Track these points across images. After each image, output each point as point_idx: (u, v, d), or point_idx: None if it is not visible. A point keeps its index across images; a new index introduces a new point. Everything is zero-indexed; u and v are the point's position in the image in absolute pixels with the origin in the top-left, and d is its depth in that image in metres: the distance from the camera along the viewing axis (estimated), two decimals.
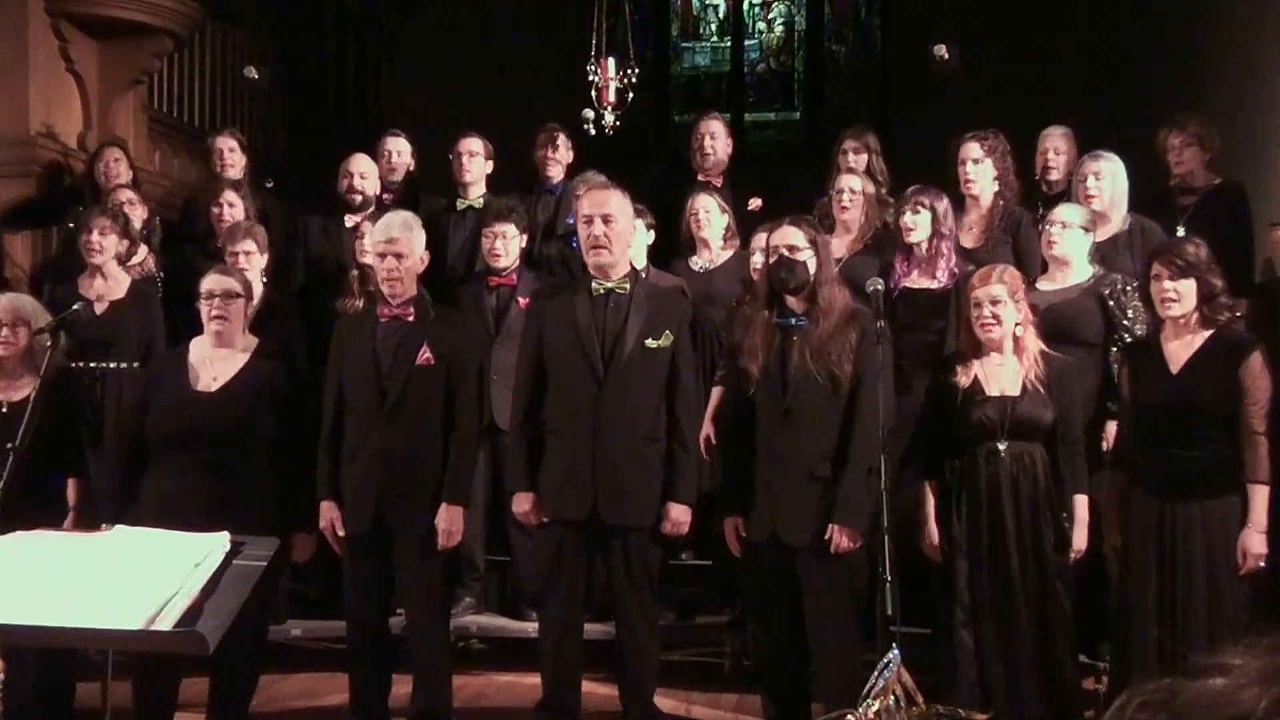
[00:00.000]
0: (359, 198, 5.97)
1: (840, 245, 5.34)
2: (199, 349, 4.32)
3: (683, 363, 4.31)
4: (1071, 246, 4.76)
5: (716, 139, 6.14)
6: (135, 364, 5.38)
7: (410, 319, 4.40)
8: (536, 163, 6.26)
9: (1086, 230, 4.79)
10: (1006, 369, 4.21)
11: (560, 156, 6.23)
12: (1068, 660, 4.17)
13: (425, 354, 4.36)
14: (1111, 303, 4.71)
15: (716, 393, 4.89)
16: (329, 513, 4.39)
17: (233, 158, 6.31)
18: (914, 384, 4.67)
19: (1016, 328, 4.20)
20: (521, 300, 5.36)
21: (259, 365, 4.30)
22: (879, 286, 4.23)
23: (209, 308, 4.25)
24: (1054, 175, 5.63)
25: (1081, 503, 4.20)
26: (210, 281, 4.30)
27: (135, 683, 4.23)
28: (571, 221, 5.92)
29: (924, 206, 4.92)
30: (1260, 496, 4.05)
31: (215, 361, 4.27)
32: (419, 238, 4.45)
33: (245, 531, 3.13)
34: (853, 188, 5.41)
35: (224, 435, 4.16)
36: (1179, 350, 4.17)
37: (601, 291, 4.30)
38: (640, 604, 4.32)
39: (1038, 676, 4.11)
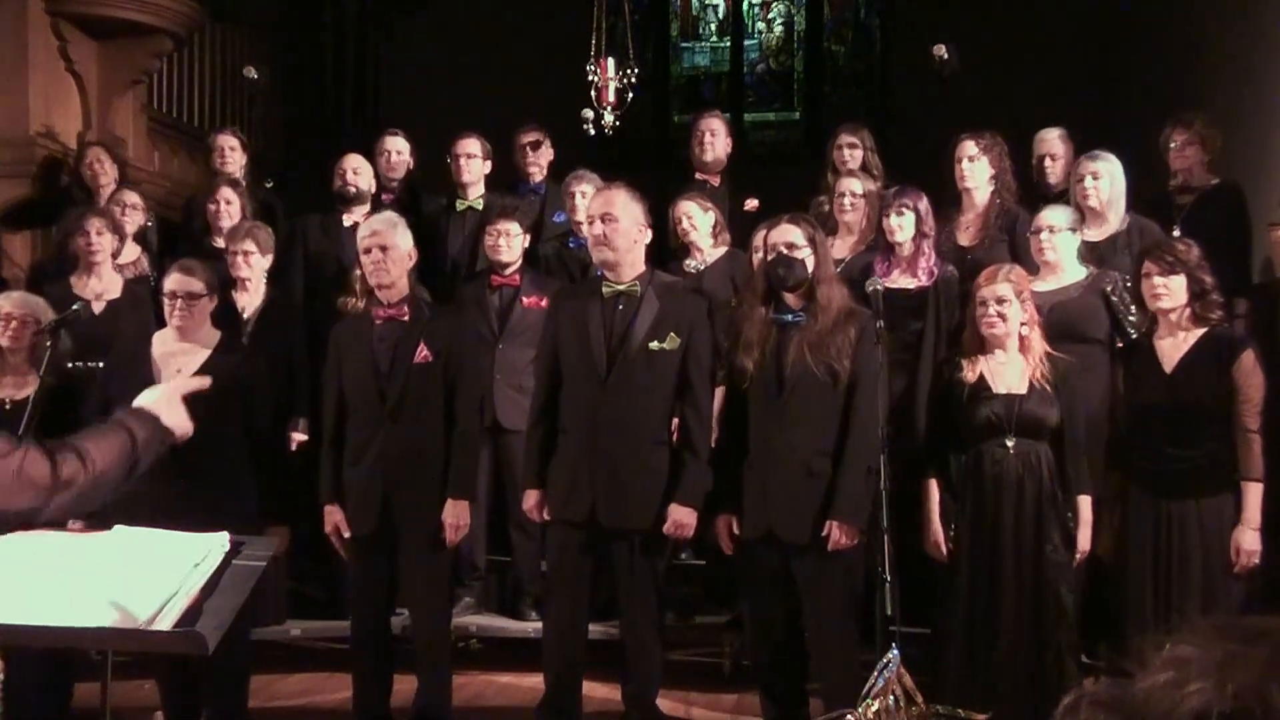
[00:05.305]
0: (353, 190, 5.98)
1: (843, 246, 5.36)
2: (162, 343, 4.32)
3: (693, 365, 4.28)
4: (1062, 249, 4.77)
5: (717, 136, 6.15)
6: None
7: (405, 318, 4.42)
8: (517, 165, 6.28)
9: (1074, 231, 4.81)
10: (1011, 367, 4.22)
11: (541, 159, 6.25)
12: (1067, 660, 4.16)
13: (423, 352, 4.38)
14: (1115, 299, 4.72)
15: (720, 393, 4.89)
16: (334, 516, 4.43)
17: (233, 156, 6.32)
18: (892, 384, 4.67)
19: (1022, 327, 4.21)
20: (525, 300, 5.37)
21: (223, 359, 4.29)
22: (878, 287, 4.24)
23: (171, 307, 4.26)
24: (1052, 179, 5.65)
25: (1085, 503, 4.21)
26: (172, 282, 4.28)
27: (160, 682, 4.35)
28: (559, 220, 5.93)
29: (908, 208, 4.96)
30: (1254, 494, 4.08)
31: (179, 355, 4.26)
32: (404, 234, 4.48)
33: (214, 525, 3.12)
34: (854, 190, 5.43)
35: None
36: (1171, 349, 4.19)
37: (612, 293, 4.31)
38: (644, 607, 4.32)
39: (1035, 676, 4.12)
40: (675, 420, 4.37)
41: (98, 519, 3.67)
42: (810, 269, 4.20)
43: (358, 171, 6.04)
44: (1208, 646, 0.86)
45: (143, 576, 2.38)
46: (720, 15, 11.31)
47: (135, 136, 7.49)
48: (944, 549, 4.22)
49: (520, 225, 5.43)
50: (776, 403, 4.16)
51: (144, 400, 2.34)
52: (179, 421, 2.35)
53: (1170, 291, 4.15)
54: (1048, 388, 4.18)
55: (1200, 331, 4.18)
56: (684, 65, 11.31)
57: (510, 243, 5.38)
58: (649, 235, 4.39)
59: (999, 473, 4.15)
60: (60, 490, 2.10)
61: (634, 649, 4.37)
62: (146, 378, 4.20)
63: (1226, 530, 4.09)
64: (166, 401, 2.34)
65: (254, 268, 5.32)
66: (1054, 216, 4.82)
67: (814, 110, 10.89)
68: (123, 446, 2.21)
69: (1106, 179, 5.08)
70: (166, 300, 4.28)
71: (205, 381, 2.57)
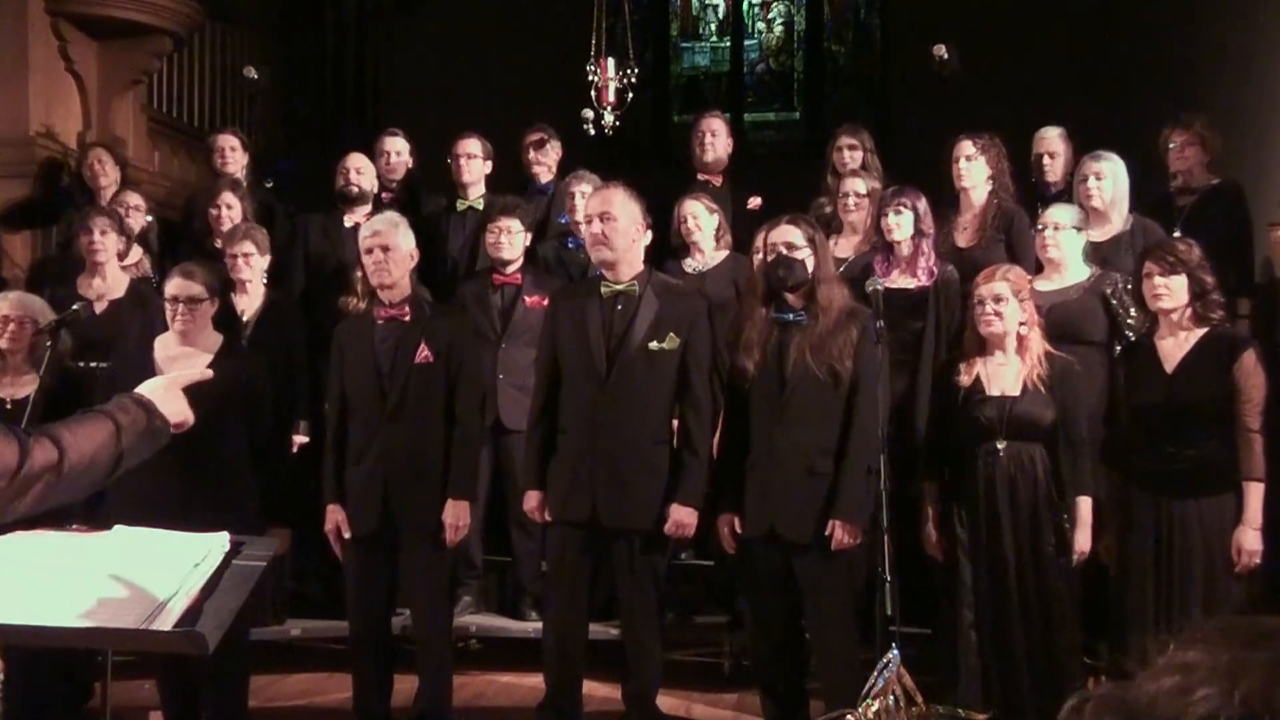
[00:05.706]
0: (355, 189, 5.98)
1: (847, 245, 5.37)
2: (164, 347, 4.31)
3: (693, 365, 4.27)
4: (1066, 248, 4.78)
5: (718, 136, 6.15)
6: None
7: (407, 318, 4.43)
8: (524, 165, 6.28)
9: (1079, 230, 4.81)
10: (1009, 368, 4.22)
11: (546, 158, 6.24)
12: (1070, 662, 4.17)
13: (424, 352, 4.38)
14: (1114, 301, 4.72)
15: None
16: (335, 515, 4.43)
17: (233, 156, 6.32)
18: (892, 384, 4.68)
19: (1021, 327, 4.21)
20: (527, 299, 5.37)
21: (225, 363, 4.27)
22: (879, 286, 4.25)
23: (173, 312, 4.25)
24: (1051, 178, 5.64)
25: (1084, 504, 4.20)
26: (174, 287, 4.28)
27: (160, 682, 4.34)
28: (564, 220, 5.92)
29: (906, 207, 4.95)
30: (1255, 494, 4.08)
31: (181, 360, 4.24)
32: (406, 234, 4.49)
33: (217, 527, 3.12)
34: (858, 190, 5.43)
35: (192, 432, 4.11)
36: (1173, 349, 4.19)
37: (611, 293, 4.31)
38: (644, 607, 4.32)
39: (1038, 677, 4.11)
40: (675, 420, 4.37)
41: (98, 519, 3.68)
42: (810, 269, 4.21)
43: (361, 171, 6.04)
44: (1214, 651, 0.86)
45: (143, 576, 2.38)
46: (720, 15, 11.31)
47: (135, 136, 7.49)
48: (941, 552, 4.23)
49: (522, 222, 5.42)
50: (778, 402, 4.16)
51: (143, 388, 2.26)
52: (177, 410, 2.26)
53: (1171, 292, 4.15)
54: (1042, 389, 4.17)
55: (1201, 331, 4.18)
56: (684, 65, 11.31)
57: (512, 239, 5.38)
58: (648, 235, 4.39)
59: (990, 475, 4.16)
60: (31, 480, 1.94)
61: (634, 649, 4.37)
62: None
63: (1227, 530, 4.09)
64: (165, 390, 2.26)
65: (254, 269, 5.31)
66: (1059, 214, 4.83)
67: (814, 110, 10.90)
68: (105, 435, 2.09)
69: (1110, 179, 5.08)
70: (168, 305, 4.28)
71: (208, 373, 2.52)
